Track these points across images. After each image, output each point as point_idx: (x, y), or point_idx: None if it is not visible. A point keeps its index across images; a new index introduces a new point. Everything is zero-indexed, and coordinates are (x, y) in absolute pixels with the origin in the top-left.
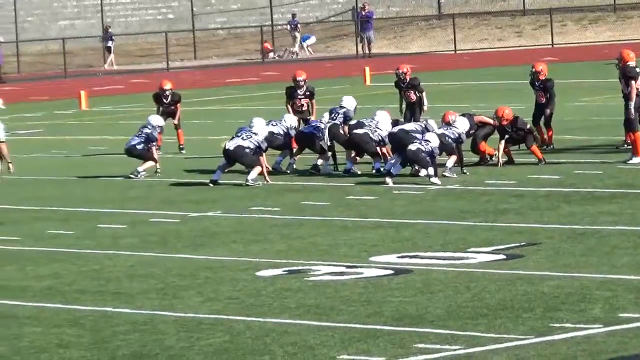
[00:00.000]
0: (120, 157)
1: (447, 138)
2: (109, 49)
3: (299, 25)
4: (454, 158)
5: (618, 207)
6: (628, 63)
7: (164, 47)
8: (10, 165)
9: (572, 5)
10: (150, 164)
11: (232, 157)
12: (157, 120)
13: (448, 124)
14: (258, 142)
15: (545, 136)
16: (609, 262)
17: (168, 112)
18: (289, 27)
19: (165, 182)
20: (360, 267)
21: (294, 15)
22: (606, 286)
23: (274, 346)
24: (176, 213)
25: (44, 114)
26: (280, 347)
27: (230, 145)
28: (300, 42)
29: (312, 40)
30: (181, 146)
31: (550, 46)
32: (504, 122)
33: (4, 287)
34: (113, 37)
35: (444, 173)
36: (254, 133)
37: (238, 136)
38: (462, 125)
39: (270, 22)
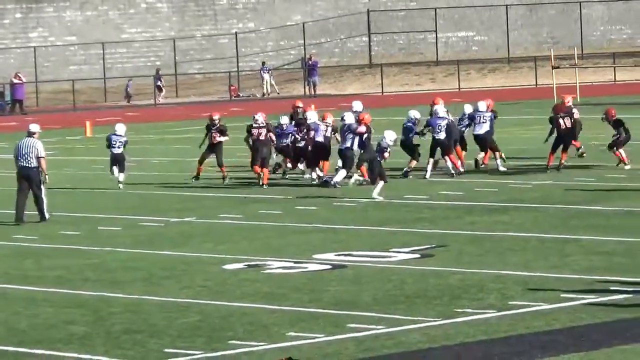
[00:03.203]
0: None
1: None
2: (159, 87)
3: (270, 71)
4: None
5: (509, 217)
6: None
7: (153, 87)
8: (46, 177)
9: (475, 57)
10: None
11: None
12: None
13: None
14: None
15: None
16: (501, 261)
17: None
18: (261, 72)
19: (152, 194)
20: (305, 262)
21: (264, 63)
22: (499, 280)
23: (236, 325)
24: (161, 218)
25: (58, 139)
26: (241, 325)
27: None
28: (268, 84)
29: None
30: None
31: (457, 90)
32: None
33: (25, 276)
34: (161, 78)
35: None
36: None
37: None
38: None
39: (237, 69)
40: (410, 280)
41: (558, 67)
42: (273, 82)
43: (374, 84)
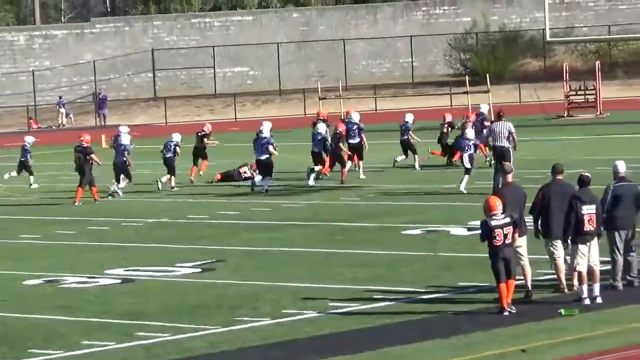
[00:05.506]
0: None
1: None
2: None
3: (65, 105)
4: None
5: (282, 234)
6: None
7: None
8: None
9: (250, 90)
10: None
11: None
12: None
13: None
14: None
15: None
16: (276, 273)
17: None
18: (57, 106)
19: None
20: (98, 277)
21: (60, 97)
22: (274, 291)
23: (35, 335)
24: None
25: None
26: (40, 335)
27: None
28: (64, 116)
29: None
30: None
31: (234, 120)
32: None
33: None
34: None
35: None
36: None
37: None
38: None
39: (34, 103)
40: (193, 292)
41: (324, 98)
42: (72, 116)
43: (159, 115)
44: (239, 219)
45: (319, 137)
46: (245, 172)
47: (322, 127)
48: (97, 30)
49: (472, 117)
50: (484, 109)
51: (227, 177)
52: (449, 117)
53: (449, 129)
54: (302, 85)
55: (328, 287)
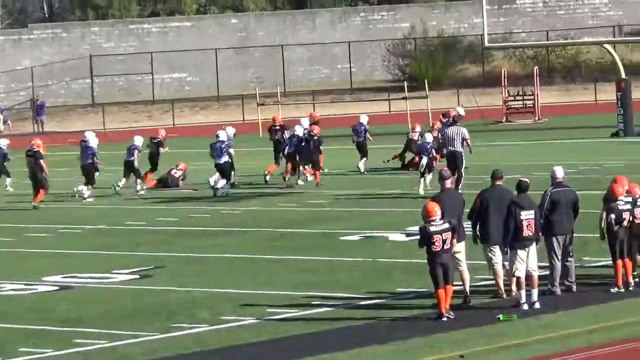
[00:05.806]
0: None
1: None
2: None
3: (2, 111)
4: None
5: (221, 240)
6: None
7: None
8: None
9: (188, 96)
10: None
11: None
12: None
13: None
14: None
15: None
16: (214, 280)
17: None
18: None
19: None
20: (36, 284)
21: None
22: (212, 297)
23: None
24: None
25: None
26: None
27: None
28: (1, 123)
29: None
30: None
31: (172, 126)
32: None
33: None
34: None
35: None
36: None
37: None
38: None
39: None
40: (131, 298)
41: (263, 104)
42: (9, 122)
43: (97, 121)
44: (178, 225)
45: (295, 139)
46: (175, 173)
47: (299, 130)
48: (35, 36)
49: (438, 125)
50: (460, 111)
51: (161, 182)
52: (418, 128)
53: (420, 137)
54: (241, 91)
55: (267, 294)
